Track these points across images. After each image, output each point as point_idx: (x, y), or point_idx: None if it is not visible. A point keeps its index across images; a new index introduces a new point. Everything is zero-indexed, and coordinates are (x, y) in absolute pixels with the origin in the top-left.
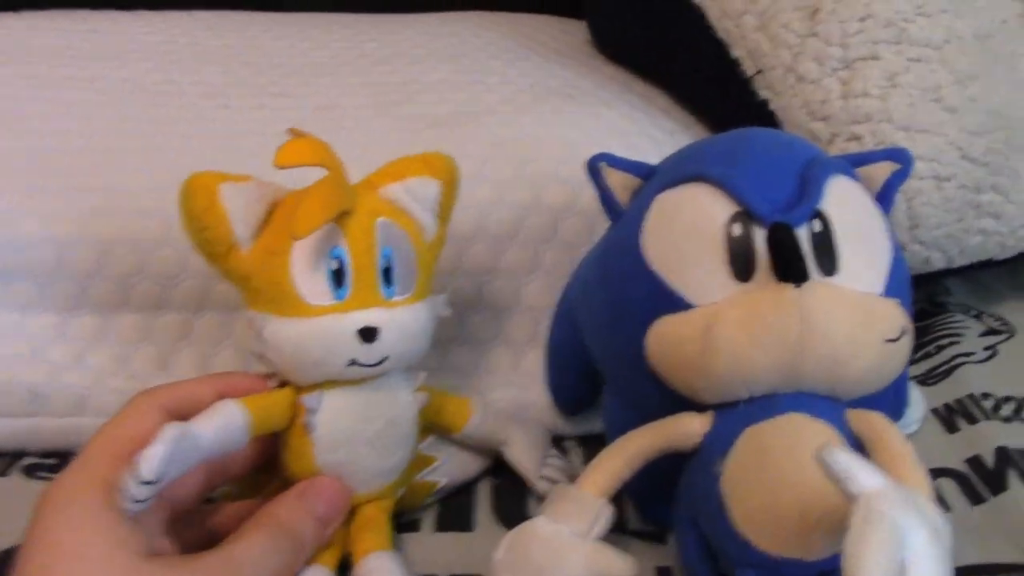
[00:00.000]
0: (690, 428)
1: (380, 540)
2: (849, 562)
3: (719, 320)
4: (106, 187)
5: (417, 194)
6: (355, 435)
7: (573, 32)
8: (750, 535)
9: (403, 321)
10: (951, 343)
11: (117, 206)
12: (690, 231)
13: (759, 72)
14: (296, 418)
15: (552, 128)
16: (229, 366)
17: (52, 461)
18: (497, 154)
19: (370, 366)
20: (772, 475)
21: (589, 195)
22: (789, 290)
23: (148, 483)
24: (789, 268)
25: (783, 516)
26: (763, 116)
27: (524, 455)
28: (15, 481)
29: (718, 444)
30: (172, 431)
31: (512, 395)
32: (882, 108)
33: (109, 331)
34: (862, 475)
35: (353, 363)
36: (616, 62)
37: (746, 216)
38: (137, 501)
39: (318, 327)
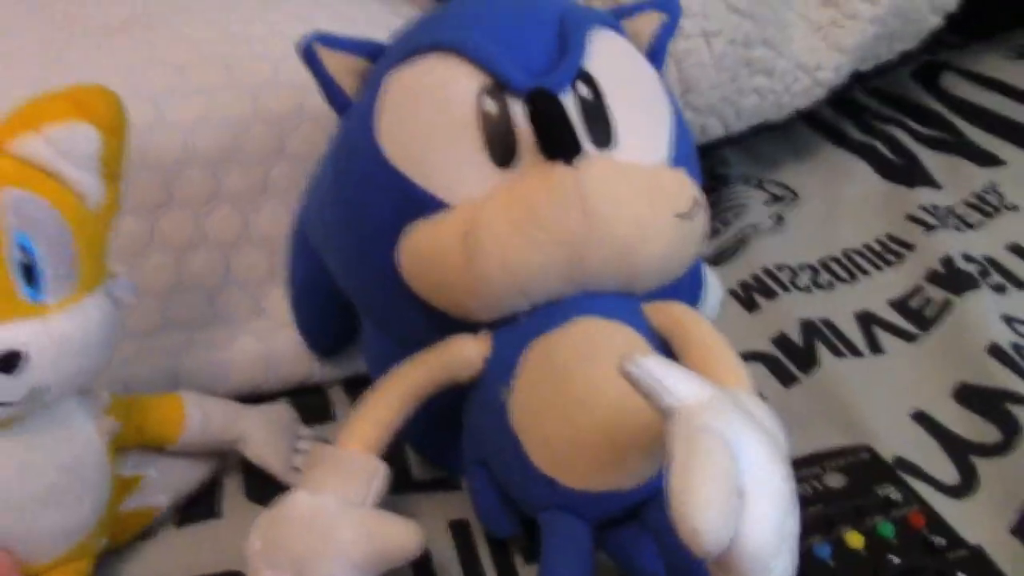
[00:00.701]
0: (466, 353)
1: None
2: (675, 497)
3: (482, 219)
4: None
5: (66, 148)
6: (16, 495)
7: None
8: (551, 471)
9: (61, 333)
10: (736, 216)
11: None
12: (433, 113)
13: None
14: None
15: (265, 24)
16: None
17: None
18: (200, 59)
19: (16, 404)
20: (568, 396)
21: (318, 98)
22: (561, 170)
23: None
24: (557, 143)
25: (587, 444)
26: None
27: (266, 450)
28: None
29: (500, 368)
30: None
31: (255, 344)
32: None
33: None
34: (676, 384)
35: None
36: None
37: (498, 87)
38: None
39: None
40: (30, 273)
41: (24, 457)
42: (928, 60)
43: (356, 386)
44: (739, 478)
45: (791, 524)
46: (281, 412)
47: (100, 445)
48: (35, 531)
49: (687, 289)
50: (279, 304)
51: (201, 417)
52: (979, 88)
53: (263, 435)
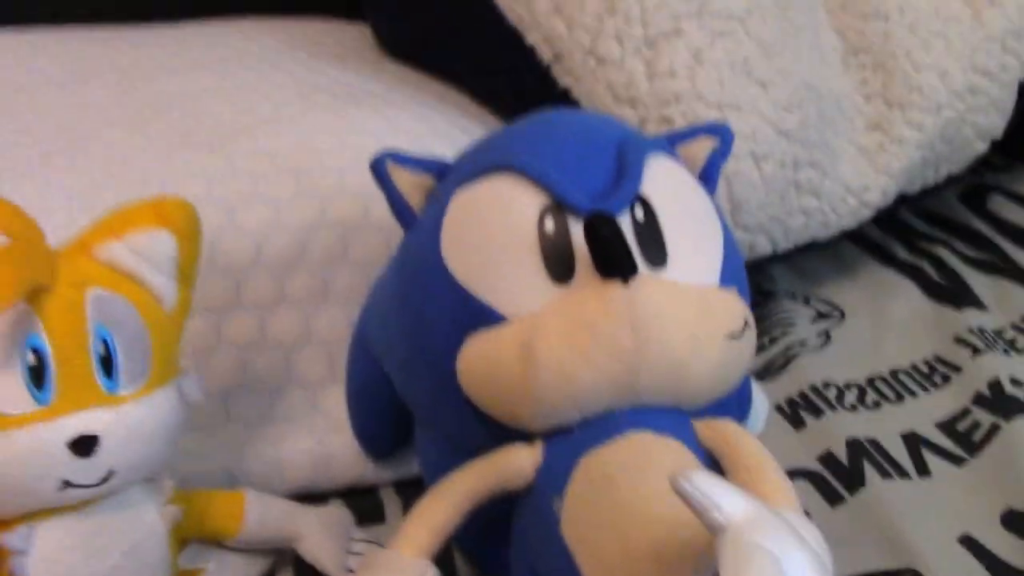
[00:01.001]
0: (518, 462)
1: None
2: None
3: (539, 332)
4: None
5: (146, 253)
6: (81, 575)
7: (354, 35)
8: None
9: (133, 422)
10: (783, 333)
11: None
12: (496, 231)
13: (557, 58)
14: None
15: (335, 135)
16: None
17: None
18: (273, 169)
19: (91, 486)
20: (619, 509)
21: (382, 207)
22: (616, 289)
23: None
24: (614, 263)
25: (638, 556)
26: (566, 105)
27: (321, 549)
28: None
29: (552, 479)
30: None
31: (310, 445)
32: (691, 87)
33: None
34: (725, 501)
35: (67, 485)
36: (403, 62)
37: (559, 207)
38: None
39: (16, 443)
40: (108, 365)
41: (91, 539)
42: (975, 182)
43: (407, 488)
44: None
45: None
46: (337, 514)
47: (162, 531)
48: None
49: (735, 405)
50: (336, 405)
51: (260, 514)
52: None
53: (319, 536)
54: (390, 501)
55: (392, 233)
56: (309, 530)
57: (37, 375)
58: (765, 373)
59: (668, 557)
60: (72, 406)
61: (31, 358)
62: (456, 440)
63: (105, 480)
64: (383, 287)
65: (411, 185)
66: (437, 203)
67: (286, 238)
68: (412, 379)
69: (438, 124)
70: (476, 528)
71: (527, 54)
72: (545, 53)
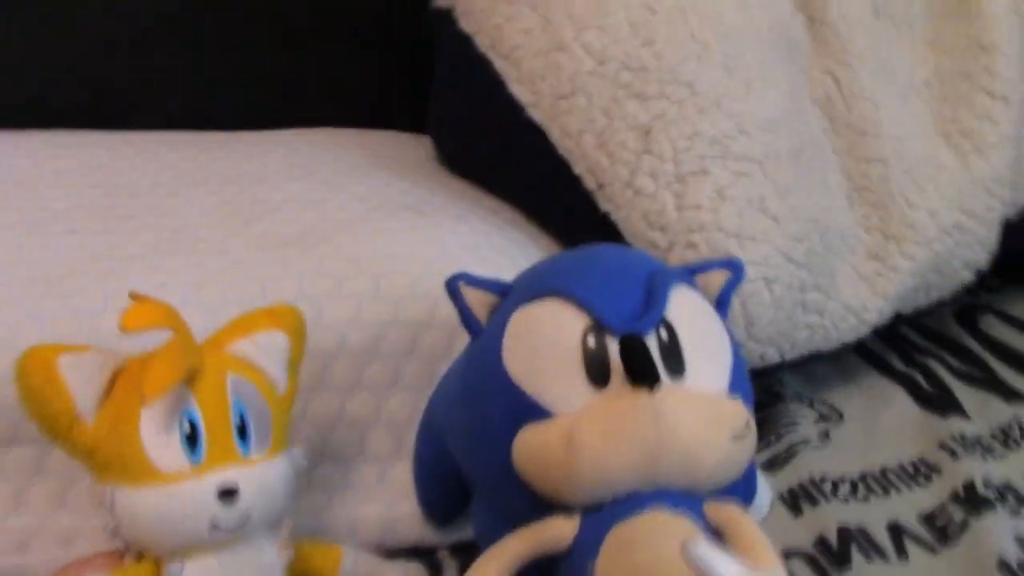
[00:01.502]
0: (560, 531)
1: None
2: None
3: (580, 427)
4: None
5: (266, 349)
6: None
7: (418, 148)
8: None
9: (263, 478)
10: (788, 431)
11: None
12: (548, 345)
13: (600, 187)
14: None
15: (407, 245)
16: (85, 499)
17: None
18: (354, 271)
19: (232, 528)
20: (640, 570)
21: (447, 310)
22: (643, 395)
23: None
24: (642, 374)
25: None
26: (606, 227)
27: None
28: None
29: (588, 544)
30: None
31: (379, 510)
32: (713, 218)
33: None
34: (723, 566)
35: (215, 527)
36: (463, 177)
37: (599, 327)
38: None
39: (175, 494)
40: (242, 433)
41: (227, 571)
42: (970, 302)
43: (462, 550)
44: None
45: None
46: (412, 571)
47: (280, 568)
48: None
49: (742, 491)
50: (401, 477)
51: (353, 564)
52: (1015, 331)
53: None
54: (447, 561)
55: (454, 332)
56: None
57: (191, 440)
58: (770, 465)
59: None
60: (218, 464)
61: (186, 427)
62: (508, 511)
63: (242, 524)
64: (450, 383)
65: (479, 302)
66: (499, 318)
67: (365, 332)
68: (473, 460)
69: (494, 238)
70: None
71: (574, 181)
72: (589, 182)
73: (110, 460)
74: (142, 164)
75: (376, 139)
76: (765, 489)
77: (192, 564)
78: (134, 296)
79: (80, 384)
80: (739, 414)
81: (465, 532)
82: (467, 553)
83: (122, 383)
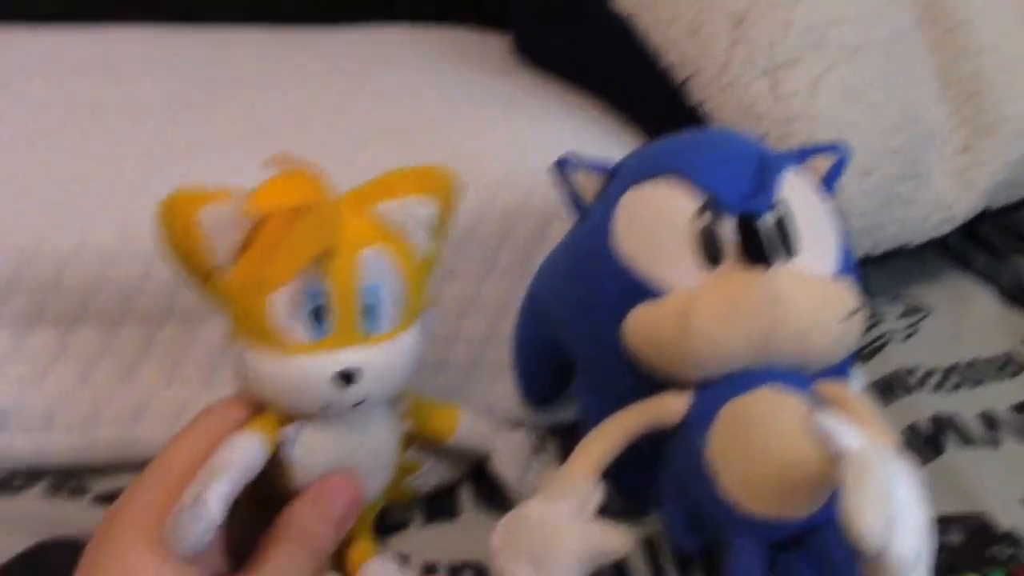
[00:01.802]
0: (673, 407)
1: (368, 548)
2: (849, 515)
3: (694, 305)
4: (57, 201)
5: (413, 214)
6: (332, 467)
7: (499, 44)
8: (737, 500)
9: (386, 359)
10: (875, 324)
11: (71, 220)
12: (660, 223)
13: (691, 78)
14: (277, 446)
15: (496, 137)
16: (193, 378)
17: (22, 478)
18: (447, 163)
19: (346, 409)
20: (754, 444)
21: (539, 199)
22: (757, 274)
23: (208, 530)
24: (758, 253)
25: (768, 481)
26: (696, 119)
27: (507, 467)
28: None
29: (700, 420)
30: (226, 475)
31: (479, 391)
32: (809, 107)
33: (68, 346)
34: (848, 435)
35: (328, 406)
36: (546, 72)
37: (713, 206)
38: (195, 546)
39: (294, 367)
40: (371, 312)
41: (342, 439)
42: None
43: (561, 432)
44: (893, 506)
45: (927, 549)
46: (524, 439)
47: (396, 438)
48: None
49: (842, 373)
50: (498, 360)
51: (469, 427)
52: None
53: (507, 454)
54: (545, 443)
55: (548, 221)
56: (500, 447)
57: (317, 315)
58: (858, 357)
59: (791, 482)
60: (340, 343)
61: (314, 302)
62: (614, 390)
63: (358, 404)
64: (554, 265)
65: (585, 183)
66: (608, 199)
67: (460, 221)
68: (580, 340)
69: (580, 132)
70: (623, 462)
71: (663, 72)
72: (680, 73)
73: (241, 317)
74: (228, 57)
75: (455, 35)
76: (858, 377)
77: (308, 430)
78: (277, 160)
79: (219, 237)
80: (850, 296)
81: (562, 416)
82: (565, 436)
83: (261, 238)
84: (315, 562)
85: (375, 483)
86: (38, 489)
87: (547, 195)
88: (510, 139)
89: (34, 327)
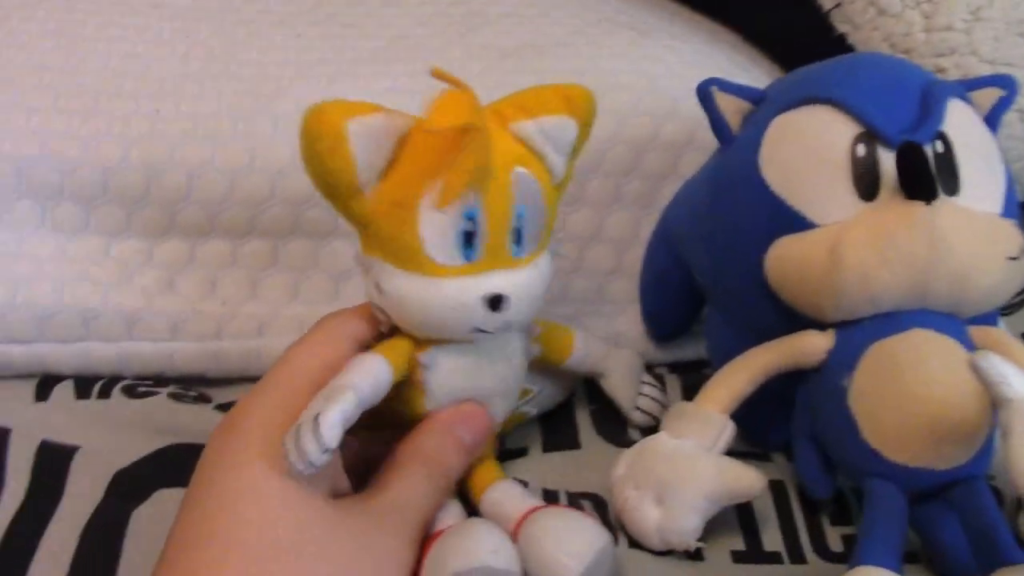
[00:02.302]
0: (815, 345)
1: (494, 472)
2: (1015, 460)
3: (846, 238)
4: (187, 113)
5: (552, 136)
6: (465, 392)
7: None
8: (881, 447)
9: (530, 283)
10: None
11: (203, 131)
12: (813, 152)
13: (837, 6)
14: (411, 371)
15: (629, 61)
16: (318, 293)
17: (148, 383)
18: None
19: (494, 333)
20: (901, 389)
21: (671, 127)
22: (918, 208)
23: (328, 450)
24: (919, 187)
25: (914, 428)
26: (840, 51)
27: (620, 387)
28: (118, 400)
29: (844, 360)
30: (351, 396)
31: (600, 324)
32: (966, 41)
33: (196, 257)
34: (1016, 379)
35: (477, 330)
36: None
37: (870, 136)
38: (314, 466)
39: (444, 290)
40: (519, 235)
41: (475, 364)
42: None
43: (680, 369)
44: None
45: None
46: (635, 359)
47: (523, 364)
48: None
49: (991, 322)
50: (621, 294)
51: (585, 349)
52: None
53: (620, 374)
54: (668, 378)
55: (680, 151)
56: (614, 368)
57: (468, 239)
58: (1003, 310)
59: (940, 430)
60: (489, 266)
61: (467, 225)
62: (753, 325)
63: (505, 329)
64: (693, 193)
65: (732, 108)
66: (755, 125)
67: (587, 146)
68: (718, 271)
69: (717, 58)
70: (750, 404)
71: None
72: (826, 0)
73: (383, 238)
74: None
75: None
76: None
77: (444, 355)
78: (437, 74)
79: (366, 154)
80: (1014, 236)
81: (685, 352)
82: (686, 372)
83: (408, 155)
84: (443, 489)
85: (503, 408)
86: (163, 395)
87: (679, 125)
88: (641, 65)
89: (166, 237)
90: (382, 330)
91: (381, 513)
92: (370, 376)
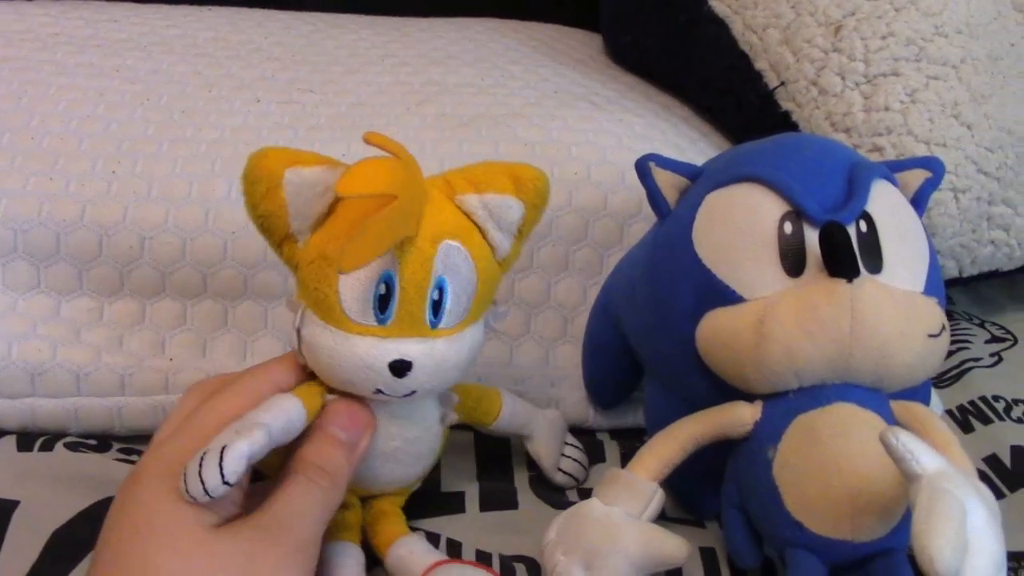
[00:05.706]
0: (742, 416)
1: (399, 527)
2: (920, 538)
3: (772, 312)
4: (144, 175)
5: (495, 213)
6: (372, 449)
7: (587, 42)
8: (803, 518)
9: (442, 355)
10: (960, 348)
11: (156, 194)
12: (742, 229)
13: (782, 84)
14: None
15: (580, 133)
16: (267, 354)
17: (93, 442)
18: (529, 156)
19: (396, 397)
20: (823, 462)
21: (619, 198)
22: (841, 285)
23: (227, 483)
24: (842, 265)
25: (834, 500)
26: (785, 127)
27: (543, 449)
28: (60, 455)
29: (769, 432)
30: (260, 433)
31: (543, 389)
32: (903, 122)
33: (147, 316)
34: (924, 457)
35: (379, 392)
36: (634, 73)
37: (797, 215)
38: (208, 496)
39: (354, 348)
40: (437, 306)
41: (385, 425)
42: None
43: (621, 435)
44: (967, 533)
45: None
46: (559, 421)
47: (439, 431)
48: (375, 476)
49: (921, 396)
50: (565, 360)
51: (511, 412)
52: None
53: (544, 436)
54: (608, 443)
55: (626, 221)
56: (538, 429)
57: (383, 303)
58: (940, 382)
59: (859, 504)
60: (402, 333)
61: (382, 288)
62: (686, 395)
63: (408, 395)
64: (632, 264)
65: (668, 183)
66: (690, 200)
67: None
68: (653, 342)
69: (667, 132)
70: (685, 471)
71: (754, 77)
72: (771, 79)
73: (308, 288)
74: (319, 42)
75: (545, 31)
76: (936, 403)
77: None
78: (370, 138)
79: (298, 203)
80: (935, 314)
81: (626, 418)
82: (626, 438)
83: (342, 212)
84: (329, 489)
85: (413, 470)
86: (114, 451)
87: (627, 196)
88: (593, 137)
89: (117, 296)
90: (304, 373)
91: (267, 527)
92: (283, 415)
